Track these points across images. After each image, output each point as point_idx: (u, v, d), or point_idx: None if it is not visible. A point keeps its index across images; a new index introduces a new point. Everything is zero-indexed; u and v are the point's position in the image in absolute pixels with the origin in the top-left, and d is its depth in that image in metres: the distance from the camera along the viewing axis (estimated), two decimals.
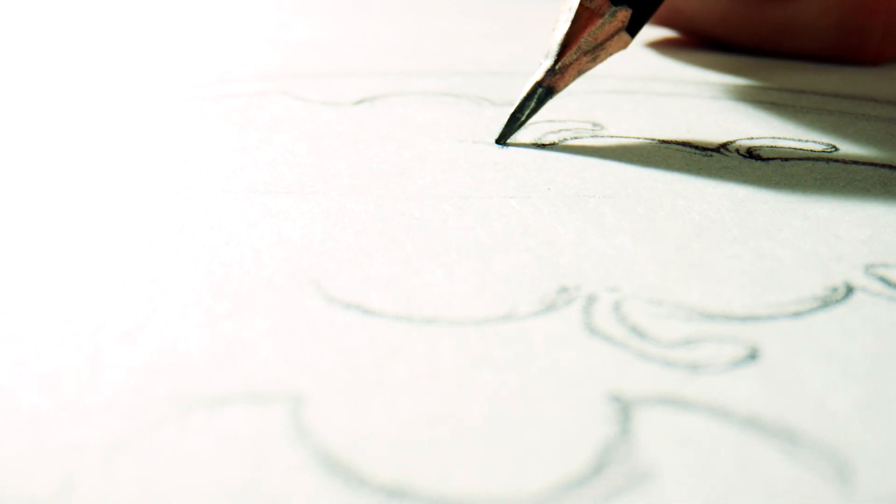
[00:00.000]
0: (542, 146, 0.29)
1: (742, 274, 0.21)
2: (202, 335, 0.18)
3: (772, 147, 0.29)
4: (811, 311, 0.19)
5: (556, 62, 0.29)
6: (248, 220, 0.23)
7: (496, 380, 0.17)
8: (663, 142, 0.30)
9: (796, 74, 0.39)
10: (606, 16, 0.29)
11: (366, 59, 0.41)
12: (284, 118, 0.32)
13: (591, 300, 0.20)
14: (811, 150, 0.29)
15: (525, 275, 0.21)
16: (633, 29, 0.29)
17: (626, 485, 0.14)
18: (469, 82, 0.37)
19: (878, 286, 0.20)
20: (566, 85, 0.29)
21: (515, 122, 0.29)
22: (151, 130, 0.31)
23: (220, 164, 0.27)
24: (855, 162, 0.28)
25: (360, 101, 0.34)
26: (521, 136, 0.30)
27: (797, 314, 0.19)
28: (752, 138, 0.30)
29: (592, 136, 0.30)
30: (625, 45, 0.29)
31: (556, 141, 0.30)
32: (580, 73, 0.29)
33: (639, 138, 0.30)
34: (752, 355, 0.18)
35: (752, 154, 0.29)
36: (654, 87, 0.36)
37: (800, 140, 0.30)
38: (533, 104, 0.29)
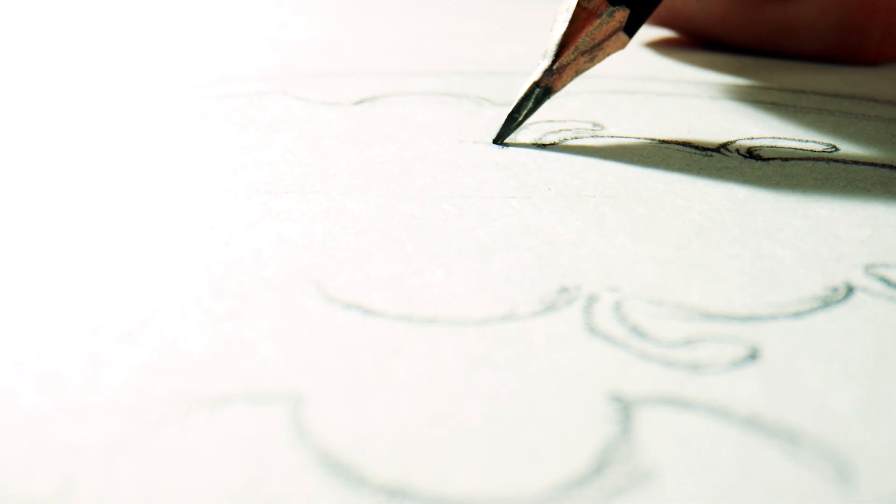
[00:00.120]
0: (543, 146, 0.29)
1: (742, 274, 0.21)
2: (202, 335, 0.18)
3: (772, 147, 0.29)
4: (811, 311, 0.19)
5: (553, 62, 0.29)
6: (248, 220, 0.23)
7: (496, 380, 0.17)
8: (663, 142, 0.30)
9: (796, 74, 0.39)
10: (604, 16, 0.29)
11: (366, 59, 0.41)
12: (285, 118, 0.32)
13: (591, 300, 0.20)
14: (811, 151, 0.29)
15: (525, 275, 0.21)
16: (630, 29, 0.29)
17: (626, 485, 0.14)
18: (469, 82, 0.37)
19: (879, 286, 0.20)
20: (564, 85, 0.29)
21: (513, 121, 0.29)
22: (151, 130, 0.31)
23: (220, 164, 0.27)
24: (855, 162, 0.28)
25: (360, 101, 0.34)
26: (521, 136, 0.30)
27: (798, 314, 0.19)
28: (752, 138, 0.30)
29: (593, 136, 0.30)
30: (622, 46, 0.29)
31: (557, 141, 0.30)
32: (578, 73, 0.29)
33: (639, 138, 0.30)
34: (753, 355, 0.18)
35: (752, 154, 0.29)
36: (655, 87, 0.36)
37: (800, 140, 0.30)
38: (531, 104, 0.29)
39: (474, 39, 0.46)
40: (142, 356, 0.17)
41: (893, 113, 0.33)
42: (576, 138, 0.30)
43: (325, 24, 0.50)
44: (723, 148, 0.29)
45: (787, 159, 0.28)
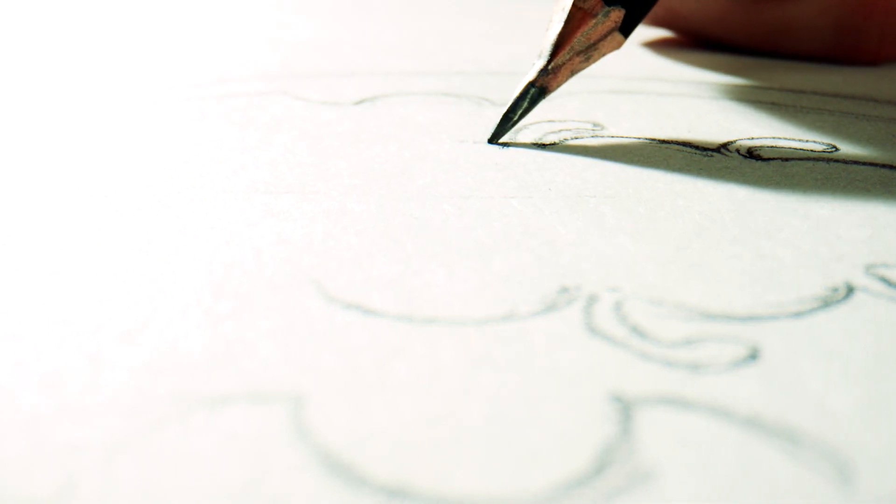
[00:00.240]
0: (543, 146, 0.29)
1: (742, 274, 0.21)
2: (202, 335, 0.18)
3: (772, 147, 0.29)
4: (812, 311, 0.19)
5: (548, 62, 0.29)
6: (248, 220, 0.23)
7: (497, 380, 0.17)
8: (664, 142, 0.30)
9: (796, 74, 0.39)
10: (599, 16, 0.29)
11: (366, 59, 0.41)
12: (285, 118, 0.32)
13: (591, 300, 0.20)
14: (811, 151, 0.29)
15: (526, 275, 0.21)
16: (626, 29, 0.29)
17: (627, 485, 0.14)
18: (469, 82, 0.37)
19: (879, 286, 0.20)
20: (559, 85, 0.29)
21: (508, 121, 0.29)
22: (152, 130, 0.31)
23: (220, 164, 0.27)
24: (855, 162, 0.28)
25: (360, 101, 0.34)
26: (521, 136, 0.30)
27: (798, 314, 0.19)
28: (752, 138, 0.30)
29: (593, 136, 0.30)
30: (618, 46, 0.29)
31: (557, 141, 0.30)
32: (573, 73, 0.29)
33: (639, 138, 0.30)
34: (753, 355, 0.18)
35: (752, 154, 0.29)
36: (655, 87, 0.36)
37: (800, 140, 0.30)
38: (526, 104, 0.29)
39: (474, 39, 0.46)
40: (142, 356, 0.17)
41: (893, 113, 0.33)
42: (576, 138, 0.30)
43: (325, 24, 0.50)
44: (723, 148, 0.29)
45: (787, 159, 0.28)
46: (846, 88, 0.36)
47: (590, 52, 0.29)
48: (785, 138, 0.30)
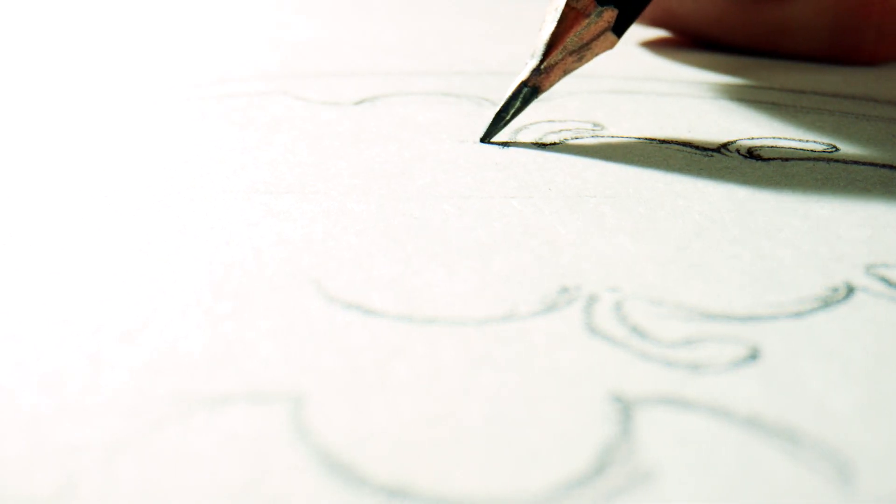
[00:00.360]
0: (543, 146, 0.29)
1: (742, 274, 0.21)
2: (202, 335, 0.18)
3: (772, 147, 0.29)
4: (812, 311, 0.19)
5: (541, 62, 0.29)
6: (248, 220, 0.23)
7: (497, 380, 0.17)
8: (664, 142, 0.30)
9: (796, 74, 0.39)
10: (592, 16, 0.29)
11: (366, 59, 0.41)
12: (285, 118, 0.32)
13: (591, 300, 0.20)
14: (812, 151, 0.29)
15: (526, 275, 0.21)
16: (619, 29, 0.29)
17: (627, 485, 0.14)
18: (469, 82, 0.37)
19: (879, 286, 0.20)
20: (552, 84, 0.29)
21: (500, 121, 0.29)
22: (151, 130, 0.31)
23: (220, 164, 0.27)
24: (855, 162, 0.28)
25: (360, 101, 0.34)
26: (521, 135, 0.30)
27: (798, 314, 0.19)
28: (752, 138, 0.30)
29: (593, 136, 0.30)
30: (611, 46, 0.29)
31: (557, 141, 0.30)
32: (566, 72, 0.29)
33: (639, 138, 0.30)
34: (753, 355, 0.18)
35: (752, 154, 0.29)
36: (655, 87, 0.36)
37: (800, 140, 0.30)
38: (518, 103, 0.29)
39: (474, 39, 0.46)
40: (142, 356, 0.17)
41: (893, 113, 0.33)
42: (576, 138, 0.30)
43: (325, 24, 0.50)
44: (723, 148, 0.29)
45: (787, 159, 0.28)
46: (846, 88, 0.36)
47: (583, 52, 0.29)
48: (785, 138, 0.30)
